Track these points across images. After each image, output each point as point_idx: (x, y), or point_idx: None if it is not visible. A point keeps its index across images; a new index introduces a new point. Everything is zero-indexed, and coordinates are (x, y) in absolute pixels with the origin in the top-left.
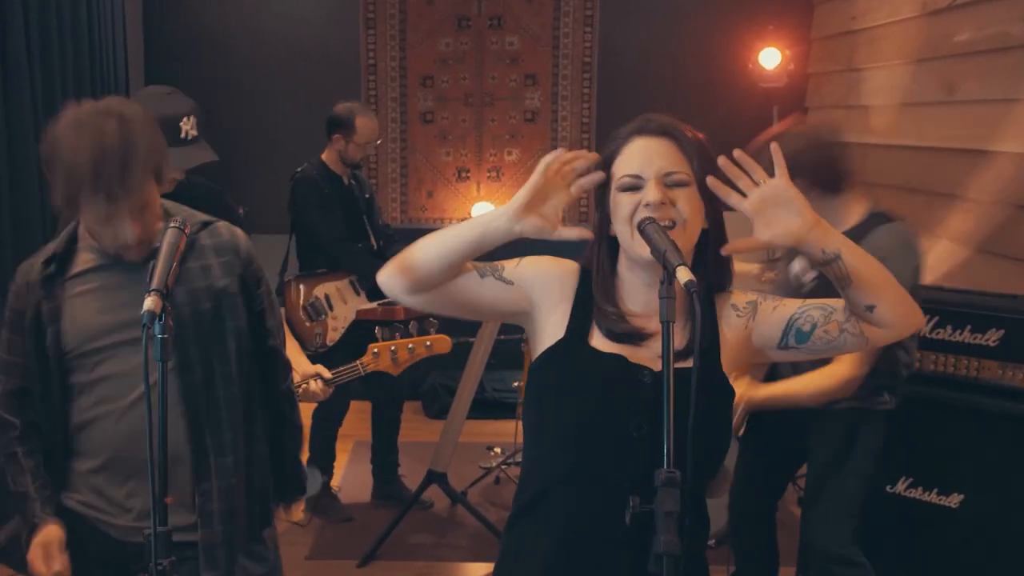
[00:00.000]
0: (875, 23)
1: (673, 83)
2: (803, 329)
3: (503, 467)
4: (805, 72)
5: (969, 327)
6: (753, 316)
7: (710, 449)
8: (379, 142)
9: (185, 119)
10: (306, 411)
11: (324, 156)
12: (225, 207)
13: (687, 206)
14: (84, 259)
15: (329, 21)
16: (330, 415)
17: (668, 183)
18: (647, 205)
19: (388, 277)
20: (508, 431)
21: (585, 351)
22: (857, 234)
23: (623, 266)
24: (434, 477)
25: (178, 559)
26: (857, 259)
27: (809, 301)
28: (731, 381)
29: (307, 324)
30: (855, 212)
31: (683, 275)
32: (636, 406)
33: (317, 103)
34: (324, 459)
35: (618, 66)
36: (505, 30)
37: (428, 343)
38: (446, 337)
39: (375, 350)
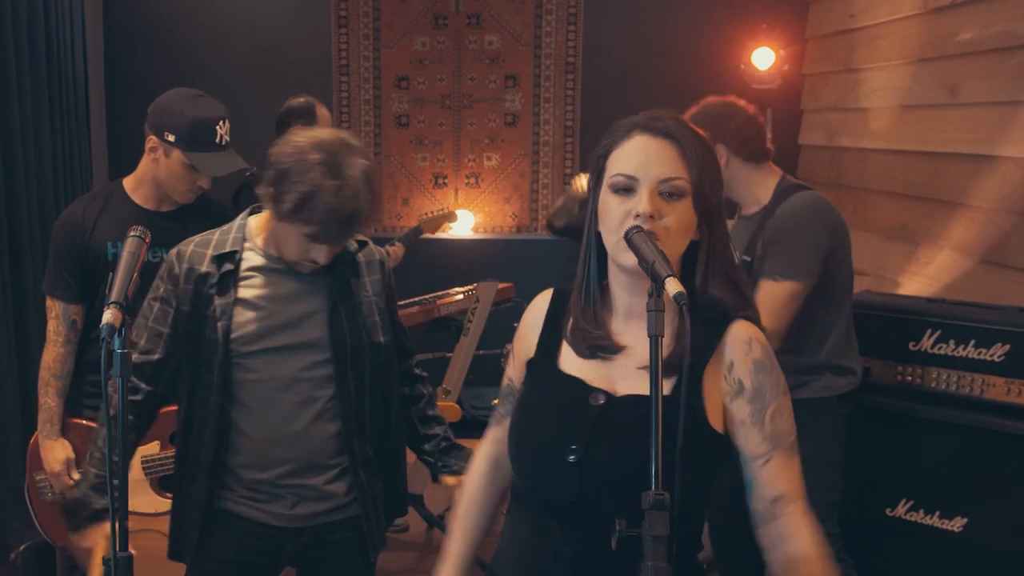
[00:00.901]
0: (874, 21)
1: (661, 85)
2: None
3: None
4: (800, 73)
5: (973, 342)
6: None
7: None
8: None
9: (221, 123)
10: None
11: None
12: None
13: (677, 221)
14: (252, 259)
15: (299, 19)
16: None
17: (663, 191)
18: (637, 216)
19: None
20: None
21: (548, 371)
22: (771, 207)
23: (612, 270)
24: (409, 499)
25: (335, 537)
26: None
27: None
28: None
29: None
30: (771, 185)
31: (672, 287)
32: (577, 431)
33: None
34: None
35: (603, 67)
36: (484, 29)
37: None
38: (455, 406)
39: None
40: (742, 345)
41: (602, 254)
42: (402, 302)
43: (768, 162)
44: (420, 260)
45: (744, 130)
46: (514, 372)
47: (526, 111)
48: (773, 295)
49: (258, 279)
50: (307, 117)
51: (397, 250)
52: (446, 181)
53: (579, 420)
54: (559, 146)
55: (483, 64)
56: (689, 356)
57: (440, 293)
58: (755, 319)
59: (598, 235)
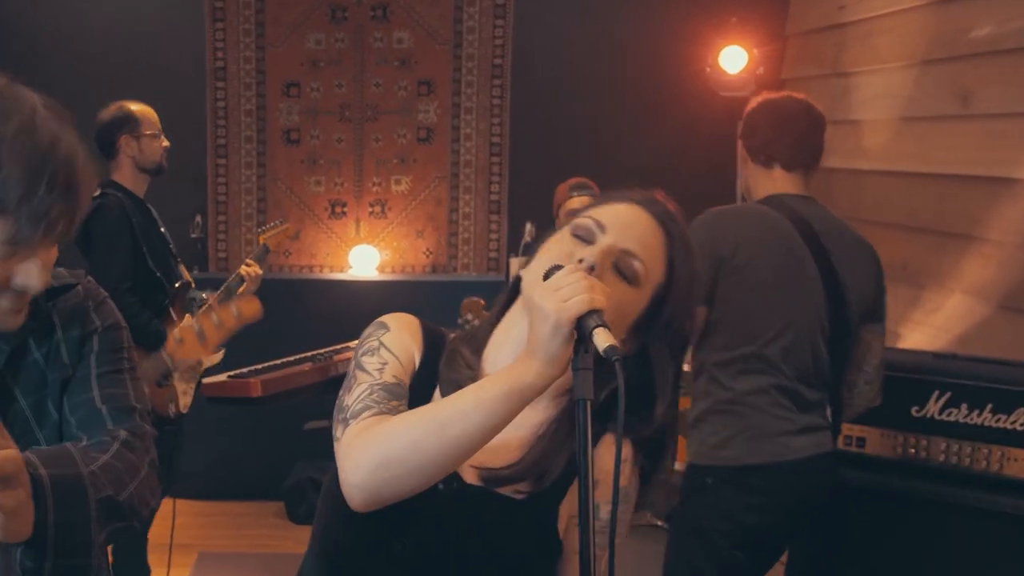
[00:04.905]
0: (869, 14)
1: (609, 93)
2: None
3: None
4: (779, 77)
5: (990, 406)
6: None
7: None
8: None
9: None
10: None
11: (117, 178)
12: None
13: (614, 302)
14: None
15: (165, 12)
16: None
17: (618, 263)
18: (580, 260)
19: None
20: None
21: None
22: None
23: (513, 310)
24: None
25: None
26: None
27: None
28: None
29: (158, 390)
30: (764, 193)
31: (603, 339)
32: (412, 519)
33: None
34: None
35: (537, 70)
36: (392, 24)
37: (235, 311)
38: (254, 299)
39: (178, 336)
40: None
41: (515, 295)
42: (291, 358)
43: (778, 168)
44: (312, 306)
45: (763, 126)
46: (396, 369)
47: (443, 124)
48: None
49: None
50: (128, 124)
51: (253, 269)
52: (345, 210)
53: (424, 502)
54: (484, 167)
55: (391, 67)
56: (622, 428)
57: (338, 347)
58: (641, 437)
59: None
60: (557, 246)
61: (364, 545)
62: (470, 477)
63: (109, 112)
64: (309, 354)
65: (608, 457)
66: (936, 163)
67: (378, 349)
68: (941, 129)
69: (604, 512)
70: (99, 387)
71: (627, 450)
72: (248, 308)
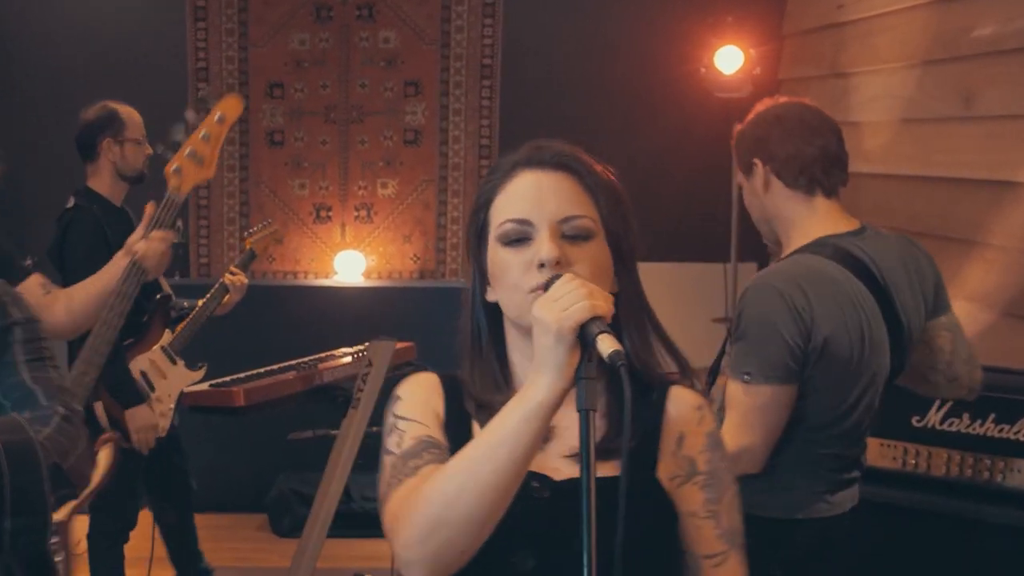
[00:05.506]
0: (869, 13)
1: (601, 94)
2: None
3: None
4: (776, 78)
5: (993, 416)
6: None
7: None
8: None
9: None
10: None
11: (92, 184)
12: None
13: (590, 266)
14: None
15: (146, 11)
16: (112, 527)
17: (566, 232)
18: (541, 266)
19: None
20: (382, 553)
21: None
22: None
23: (512, 340)
24: None
25: None
26: None
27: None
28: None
29: None
30: (811, 229)
31: (606, 345)
32: (523, 531)
33: None
34: None
35: (528, 71)
36: (379, 23)
37: (219, 116)
38: (232, 95)
39: (175, 166)
40: (692, 413)
41: (497, 325)
42: (275, 366)
43: (820, 195)
44: (296, 313)
45: (791, 142)
46: (433, 433)
47: (431, 126)
48: (742, 402)
49: None
50: (112, 126)
51: (238, 278)
52: (330, 214)
53: (522, 516)
54: (472, 170)
55: (377, 67)
56: (631, 430)
57: (322, 355)
58: (696, 388)
59: (486, 305)
60: (507, 263)
61: (484, 570)
62: (560, 474)
63: (93, 112)
64: (293, 362)
65: (681, 406)
66: (938, 166)
67: (395, 425)
68: (943, 131)
69: (702, 463)
70: (29, 371)
71: (699, 399)
72: (230, 107)
